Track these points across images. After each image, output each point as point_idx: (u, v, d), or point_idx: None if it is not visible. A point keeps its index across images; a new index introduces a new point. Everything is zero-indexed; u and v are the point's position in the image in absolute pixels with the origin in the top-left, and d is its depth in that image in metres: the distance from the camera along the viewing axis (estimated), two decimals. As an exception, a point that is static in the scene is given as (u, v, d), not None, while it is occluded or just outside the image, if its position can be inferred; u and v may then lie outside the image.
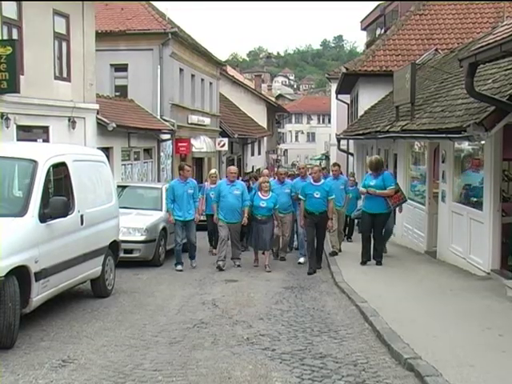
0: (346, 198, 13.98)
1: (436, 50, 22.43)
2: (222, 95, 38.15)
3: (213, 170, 15.74)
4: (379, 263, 11.73)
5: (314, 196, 11.74)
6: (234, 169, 13.28)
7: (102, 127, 18.31)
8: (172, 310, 8.52)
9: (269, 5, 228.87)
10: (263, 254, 12.46)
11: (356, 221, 15.63)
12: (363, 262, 11.85)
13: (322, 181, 12.18)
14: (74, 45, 16.87)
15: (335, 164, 14.74)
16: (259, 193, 12.42)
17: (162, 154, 24.99)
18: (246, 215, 12.39)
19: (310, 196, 11.77)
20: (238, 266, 12.47)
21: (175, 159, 25.86)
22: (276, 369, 5.88)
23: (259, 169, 24.18)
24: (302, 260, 12.90)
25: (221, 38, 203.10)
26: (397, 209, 13.02)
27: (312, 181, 12.09)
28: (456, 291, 9.02)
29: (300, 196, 12.09)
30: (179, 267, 12.17)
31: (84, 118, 17.32)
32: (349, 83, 26.22)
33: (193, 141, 28.27)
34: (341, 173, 14.89)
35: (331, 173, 13.60)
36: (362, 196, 12.69)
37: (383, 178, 11.89)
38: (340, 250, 13.50)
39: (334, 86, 34.74)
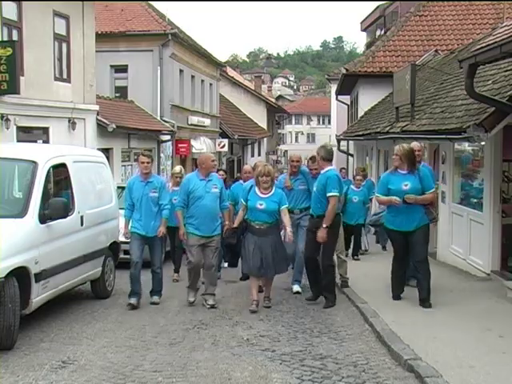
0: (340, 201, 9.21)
1: (436, 51, 22.48)
2: (222, 96, 38.16)
3: (177, 168, 11.56)
4: (425, 304, 7.97)
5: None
6: (212, 156, 9.32)
7: (102, 128, 18.32)
8: (172, 310, 8.51)
9: (269, 6, 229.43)
10: (263, 281, 8.77)
11: (373, 229, 11.39)
12: (396, 296, 8.48)
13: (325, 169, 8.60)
14: (74, 46, 16.89)
15: (363, 169, 11.87)
16: (257, 189, 8.51)
17: (162, 155, 25.00)
18: (227, 222, 8.98)
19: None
20: (212, 307, 8.57)
21: (175, 160, 25.86)
22: (276, 370, 5.87)
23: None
24: (296, 288, 9.53)
25: (221, 39, 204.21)
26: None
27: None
28: (456, 292, 9.01)
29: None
30: (132, 300, 8.61)
31: (84, 119, 17.34)
32: (349, 84, 26.25)
33: (193, 142, 28.27)
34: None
35: (353, 181, 11.40)
36: (382, 205, 9.38)
37: (420, 176, 8.13)
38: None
39: (333, 87, 34.78)
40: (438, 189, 8.20)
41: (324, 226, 8.21)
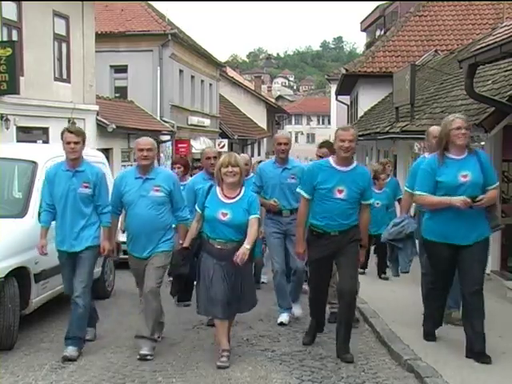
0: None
1: (436, 51, 22.49)
2: (222, 96, 38.19)
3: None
4: (484, 359, 5.61)
5: (334, 196, 5.78)
6: (147, 142, 6.45)
7: (101, 128, 18.35)
8: (171, 311, 8.48)
9: (269, 6, 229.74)
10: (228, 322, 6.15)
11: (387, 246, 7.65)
12: (430, 334, 6.35)
13: (355, 164, 5.97)
14: (74, 46, 16.92)
15: (387, 162, 11.19)
16: (218, 190, 5.89)
17: (161, 155, 25.01)
18: (182, 239, 6.25)
19: (325, 194, 5.82)
20: (143, 358, 5.99)
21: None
22: (276, 370, 5.87)
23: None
24: (284, 318, 7.35)
25: (221, 40, 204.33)
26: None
27: (333, 161, 5.88)
28: (456, 292, 9.00)
29: (299, 190, 6.05)
30: (70, 351, 5.95)
31: (84, 119, 17.35)
32: (349, 84, 26.27)
33: (192, 142, 28.30)
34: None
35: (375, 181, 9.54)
36: (409, 208, 6.88)
37: (481, 162, 5.65)
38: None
39: (333, 87, 34.83)
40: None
41: (363, 243, 6.01)
